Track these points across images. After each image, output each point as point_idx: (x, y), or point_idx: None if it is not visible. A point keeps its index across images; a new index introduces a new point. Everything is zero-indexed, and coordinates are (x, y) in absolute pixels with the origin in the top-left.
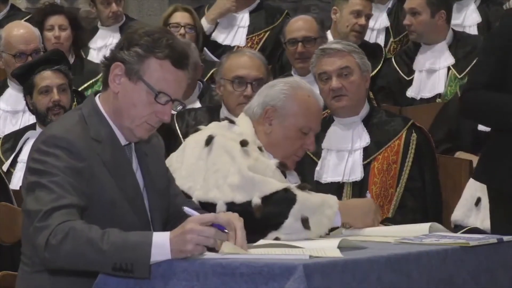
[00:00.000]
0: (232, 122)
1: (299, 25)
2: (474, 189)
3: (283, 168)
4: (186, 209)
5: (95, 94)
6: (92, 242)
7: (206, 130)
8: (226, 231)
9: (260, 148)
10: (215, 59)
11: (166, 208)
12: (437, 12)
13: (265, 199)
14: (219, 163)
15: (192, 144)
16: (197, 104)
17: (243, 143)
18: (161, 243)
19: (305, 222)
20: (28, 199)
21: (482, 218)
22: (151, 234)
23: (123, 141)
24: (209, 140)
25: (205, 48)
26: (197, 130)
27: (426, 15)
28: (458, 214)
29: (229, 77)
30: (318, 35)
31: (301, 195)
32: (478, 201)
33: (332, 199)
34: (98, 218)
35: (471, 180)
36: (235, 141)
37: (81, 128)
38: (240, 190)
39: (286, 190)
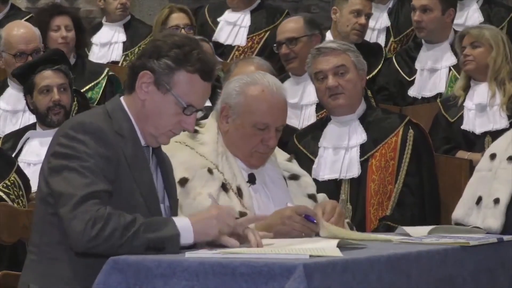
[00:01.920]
0: (195, 131)
1: (283, 27)
2: (475, 188)
3: (251, 181)
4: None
5: (119, 95)
6: (128, 228)
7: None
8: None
9: (210, 170)
10: (218, 59)
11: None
12: (447, 9)
13: None
14: None
15: None
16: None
17: (182, 182)
18: (185, 227)
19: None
20: (55, 181)
21: (483, 217)
22: (174, 222)
23: (142, 142)
24: None
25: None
26: None
27: (437, 12)
28: (459, 213)
29: None
30: (304, 34)
31: None
32: (479, 200)
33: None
34: (116, 207)
35: (473, 179)
36: (184, 166)
37: (106, 120)
38: None
39: None
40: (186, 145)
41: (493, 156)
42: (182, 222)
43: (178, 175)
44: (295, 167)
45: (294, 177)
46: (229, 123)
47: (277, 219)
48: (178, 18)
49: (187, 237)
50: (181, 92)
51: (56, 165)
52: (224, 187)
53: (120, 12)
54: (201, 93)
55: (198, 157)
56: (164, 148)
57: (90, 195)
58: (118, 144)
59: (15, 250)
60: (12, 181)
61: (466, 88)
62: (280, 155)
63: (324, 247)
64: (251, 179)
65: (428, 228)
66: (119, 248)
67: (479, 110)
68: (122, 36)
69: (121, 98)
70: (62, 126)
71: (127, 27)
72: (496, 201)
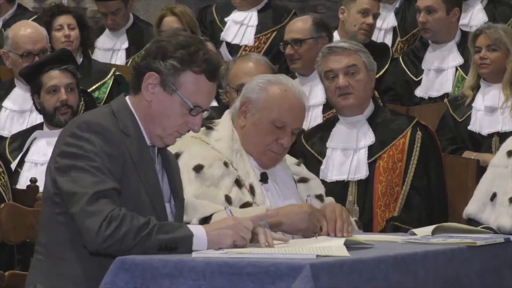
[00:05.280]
0: (210, 128)
1: (291, 26)
2: (490, 184)
3: (263, 180)
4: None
5: (125, 95)
6: (142, 229)
7: (177, 144)
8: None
9: (226, 163)
10: (231, 58)
11: (182, 217)
12: (452, 9)
13: (203, 221)
14: None
15: None
16: (213, 101)
17: (197, 169)
18: (200, 235)
19: None
20: (64, 180)
21: (496, 215)
22: (187, 227)
23: (148, 142)
24: (176, 158)
25: (224, 47)
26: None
27: (442, 12)
28: (472, 208)
29: (234, 85)
30: (310, 36)
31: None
32: (493, 196)
33: (261, 210)
34: (123, 205)
35: (488, 174)
36: (200, 158)
37: (111, 120)
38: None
39: (212, 214)
40: (202, 140)
41: (510, 153)
42: (196, 229)
43: (193, 163)
44: (304, 171)
45: (303, 179)
46: (247, 118)
47: (304, 222)
48: (168, 22)
49: (200, 244)
50: (187, 93)
51: (64, 165)
52: (238, 183)
53: (112, 27)
54: (207, 93)
55: (213, 151)
56: (178, 142)
57: (100, 193)
58: (123, 143)
59: (12, 249)
60: None
61: (475, 88)
62: (289, 158)
63: (331, 247)
64: (264, 178)
65: (432, 227)
66: (132, 249)
67: (488, 111)
68: (125, 43)
69: (127, 98)
70: (68, 125)
71: (129, 33)
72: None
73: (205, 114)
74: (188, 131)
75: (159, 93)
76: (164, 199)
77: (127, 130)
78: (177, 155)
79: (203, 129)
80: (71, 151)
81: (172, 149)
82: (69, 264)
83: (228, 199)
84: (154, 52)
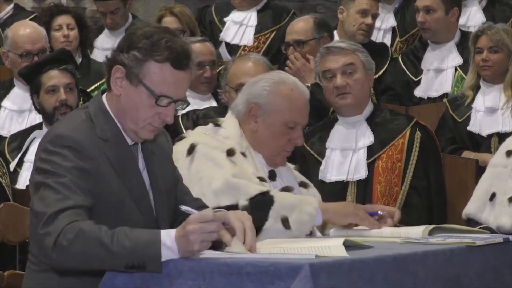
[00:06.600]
0: (217, 125)
1: (292, 27)
2: (489, 183)
3: (272, 177)
4: (184, 207)
5: (102, 92)
6: (102, 244)
7: (189, 138)
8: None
9: (243, 154)
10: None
11: (172, 207)
12: (450, 9)
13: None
14: (202, 171)
15: (176, 155)
16: (213, 102)
17: (230, 153)
18: (169, 244)
19: (285, 222)
20: (34, 199)
21: (495, 215)
22: (159, 233)
23: (129, 141)
24: (191, 149)
25: (223, 47)
26: (181, 138)
27: (440, 12)
28: (471, 208)
29: (233, 85)
30: (312, 37)
31: (278, 195)
32: (492, 196)
33: (311, 198)
34: (105, 217)
35: (487, 173)
36: (220, 149)
37: (88, 127)
38: (224, 195)
39: (264, 193)
40: (212, 136)
41: (509, 153)
42: (168, 240)
43: (223, 147)
44: (302, 176)
45: (304, 184)
46: (258, 122)
47: (349, 208)
48: (168, 22)
49: (172, 254)
50: (152, 83)
51: (36, 182)
52: None
53: (111, 27)
54: (174, 82)
55: (226, 145)
56: (191, 135)
57: (60, 211)
58: (100, 152)
59: (12, 249)
60: None
61: (475, 88)
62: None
63: (330, 247)
64: (272, 176)
65: (423, 227)
66: (93, 263)
67: (488, 112)
68: None
69: (103, 96)
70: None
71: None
72: (511, 200)
73: (180, 105)
74: (164, 123)
75: (126, 87)
76: (151, 200)
77: (105, 135)
78: (193, 146)
79: (210, 125)
80: (42, 167)
81: (188, 141)
82: (59, 277)
83: (261, 179)
84: (121, 45)
